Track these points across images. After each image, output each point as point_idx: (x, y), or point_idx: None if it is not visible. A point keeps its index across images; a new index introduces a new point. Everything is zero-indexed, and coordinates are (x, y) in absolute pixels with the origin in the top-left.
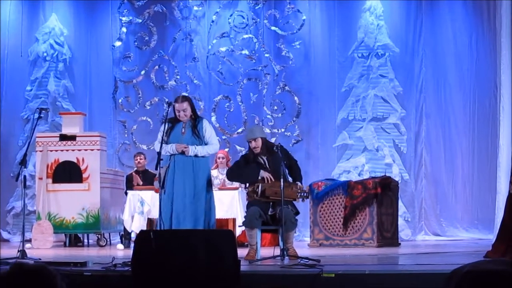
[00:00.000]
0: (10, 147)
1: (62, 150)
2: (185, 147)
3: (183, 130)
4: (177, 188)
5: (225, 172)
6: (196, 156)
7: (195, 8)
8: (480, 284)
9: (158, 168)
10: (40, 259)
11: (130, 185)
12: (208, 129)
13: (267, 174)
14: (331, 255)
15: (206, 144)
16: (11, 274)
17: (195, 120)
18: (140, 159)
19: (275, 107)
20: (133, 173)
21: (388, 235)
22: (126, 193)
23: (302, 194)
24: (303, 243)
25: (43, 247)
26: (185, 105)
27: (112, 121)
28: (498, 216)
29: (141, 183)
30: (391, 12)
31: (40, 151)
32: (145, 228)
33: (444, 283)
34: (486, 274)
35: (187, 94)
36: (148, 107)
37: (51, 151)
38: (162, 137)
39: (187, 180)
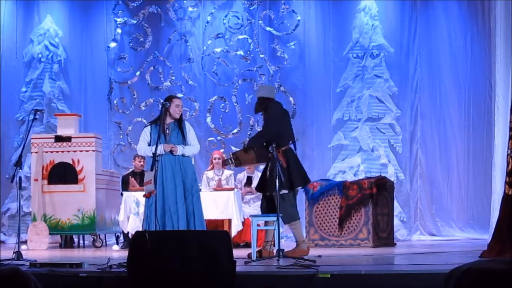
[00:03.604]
0: (5, 148)
1: (57, 152)
2: (173, 147)
3: (167, 131)
4: (168, 188)
5: (220, 173)
6: (183, 155)
7: (190, 9)
8: (480, 282)
9: (154, 170)
10: (35, 260)
11: (126, 186)
12: (191, 131)
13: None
14: (326, 256)
15: (187, 145)
16: None
17: (180, 121)
18: (144, 160)
19: None
20: (130, 176)
21: (383, 235)
22: (122, 194)
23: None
24: None
25: (39, 248)
26: (181, 101)
27: (107, 122)
28: (493, 215)
29: (137, 186)
30: (386, 12)
31: (36, 152)
32: (140, 229)
33: (443, 282)
34: (485, 273)
35: None
36: (143, 108)
37: (47, 152)
38: (158, 138)
39: (177, 179)
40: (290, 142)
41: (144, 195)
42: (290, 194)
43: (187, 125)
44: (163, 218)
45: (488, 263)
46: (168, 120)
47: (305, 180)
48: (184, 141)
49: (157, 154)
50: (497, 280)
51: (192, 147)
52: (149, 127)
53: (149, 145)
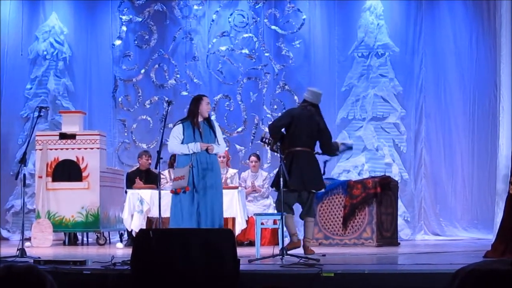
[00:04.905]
0: (9, 145)
1: (61, 149)
2: (210, 146)
3: (200, 129)
4: (203, 186)
5: (225, 172)
6: (215, 154)
7: (195, 7)
8: (484, 283)
9: (158, 167)
10: (39, 257)
11: (130, 184)
12: (219, 129)
13: None
14: (330, 255)
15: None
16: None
17: (209, 120)
18: (151, 158)
19: (275, 106)
20: (138, 178)
21: (387, 234)
22: (126, 192)
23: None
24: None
25: (43, 245)
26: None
27: (112, 119)
28: (497, 215)
29: (142, 185)
30: (391, 12)
31: (40, 149)
32: (144, 227)
33: (449, 282)
34: (490, 274)
35: None
36: (148, 106)
37: (51, 149)
38: (162, 138)
39: (212, 178)
40: (300, 147)
41: (175, 191)
42: (283, 192)
43: (216, 124)
44: (199, 214)
45: (494, 263)
46: (199, 119)
47: (285, 184)
48: (215, 139)
49: (192, 152)
50: (502, 281)
51: (221, 146)
52: (180, 125)
53: (182, 143)
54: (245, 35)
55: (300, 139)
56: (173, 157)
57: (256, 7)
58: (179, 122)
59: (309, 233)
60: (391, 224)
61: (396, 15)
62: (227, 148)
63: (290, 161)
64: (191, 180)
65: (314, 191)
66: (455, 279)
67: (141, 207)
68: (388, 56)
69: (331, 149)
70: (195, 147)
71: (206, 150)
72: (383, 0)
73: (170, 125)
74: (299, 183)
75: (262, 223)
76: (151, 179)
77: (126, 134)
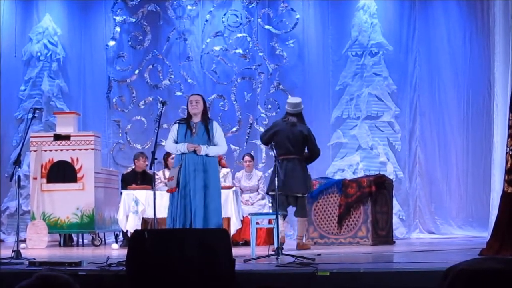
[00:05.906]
0: (4, 147)
1: (56, 150)
2: (197, 147)
3: (193, 130)
4: (190, 186)
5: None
6: (207, 155)
7: (189, 7)
8: (476, 282)
9: (153, 168)
10: (34, 259)
11: (126, 185)
12: (218, 131)
13: None
14: (326, 254)
15: (214, 145)
16: (34, 286)
17: (206, 121)
18: (147, 160)
19: (269, 106)
20: (134, 184)
21: (382, 233)
22: (121, 193)
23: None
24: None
25: (38, 247)
26: (198, 97)
27: (106, 120)
28: (492, 213)
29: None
30: (385, 11)
31: (34, 151)
32: (139, 228)
33: (439, 281)
34: (483, 272)
35: None
36: (142, 107)
37: (45, 151)
38: (156, 138)
39: (199, 179)
40: (285, 156)
41: (167, 190)
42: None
43: (215, 126)
44: (184, 215)
45: (486, 261)
46: (195, 119)
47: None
48: (209, 141)
49: (180, 153)
50: (495, 279)
51: (217, 148)
52: (176, 125)
53: (176, 142)
54: (239, 35)
55: (285, 148)
56: (166, 156)
57: (250, 7)
58: (177, 121)
59: (300, 231)
60: (386, 222)
61: (389, 13)
62: None
63: (277, 169)
64: (181, 181)
65: (299, 195)
66: (446, 277)
67: (136, 208)
68: (382, 55)
69: (316, 153)
70: (182, 147)
71: (195, 151)
72: None
73: (165, 126)
74: (282, 188)
75: (257, 223)
76: (147, 180)
77: (120, 135)
